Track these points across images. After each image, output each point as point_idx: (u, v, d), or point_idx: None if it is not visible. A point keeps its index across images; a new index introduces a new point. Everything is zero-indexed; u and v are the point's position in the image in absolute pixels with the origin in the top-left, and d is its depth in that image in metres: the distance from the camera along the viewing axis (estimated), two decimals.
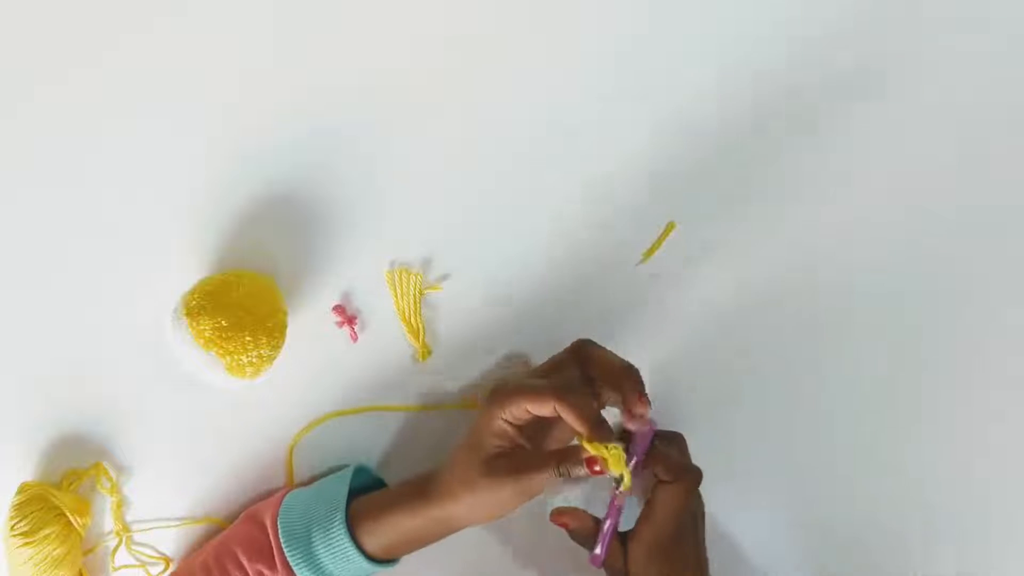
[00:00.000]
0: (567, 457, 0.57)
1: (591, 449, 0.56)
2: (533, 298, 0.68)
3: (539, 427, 0.62)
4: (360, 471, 0.65)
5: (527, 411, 0.58)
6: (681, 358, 0.69)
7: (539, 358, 0.67)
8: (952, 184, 0.71)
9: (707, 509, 0.64)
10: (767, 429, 0.69)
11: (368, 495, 0.62)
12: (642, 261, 0.69)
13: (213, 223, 0.66)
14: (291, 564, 0.59)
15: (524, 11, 0.69)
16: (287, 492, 0.63)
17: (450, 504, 0.59)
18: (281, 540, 0.59)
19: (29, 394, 0.66)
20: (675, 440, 0.65)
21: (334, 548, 0.59)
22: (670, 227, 0.69)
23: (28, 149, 0.66)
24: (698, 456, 0.64)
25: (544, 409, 0.57)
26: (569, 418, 0.56)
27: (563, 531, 0.63)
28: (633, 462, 0.59)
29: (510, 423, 0.59)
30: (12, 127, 0.66)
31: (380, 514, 0.60)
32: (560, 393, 0.57)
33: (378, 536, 0.60)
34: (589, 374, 0.62)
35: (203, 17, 0.67)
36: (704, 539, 0.63)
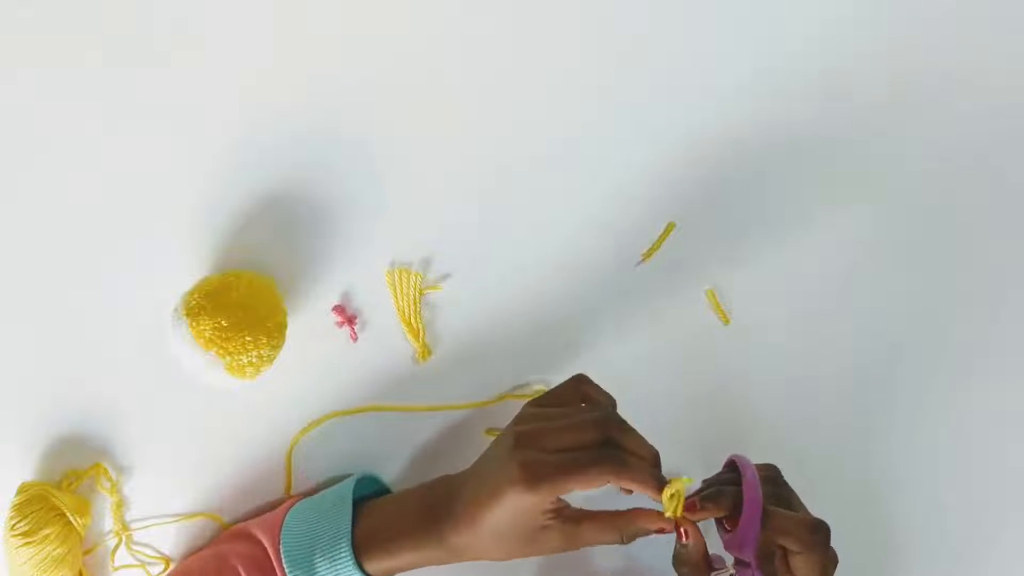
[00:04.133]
0: (634, 522, 0.55)
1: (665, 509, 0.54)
2: (533, 298, 0.68)
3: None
4: (361, 480, 0.64)
5: (575, 490, 0.53)
6: (682, 359, 0.69)
7: (538, 358, 0.68)
8: (954, 185, 0.71)
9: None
10: (768, 430, 0.69)
11: (374, 516, 0.60)
12: (642, 261, 0.69)
13: (213, 223, 0.67)
14: None
15: (524, 12, 0.69)
16: (286, 511, 0.62)
17: (479, 558, 0.57)
18: (286, 568, 0.58)
19: (29, 394, 0.66)
20: (780, 489, 0.59)
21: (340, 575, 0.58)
22: (670, 227, 0.69)
23: (28, 149, 0.66)
24: (696, 457, 0.64)
25: (597, 486, 0.53)
26: (632, 487, 0.53)
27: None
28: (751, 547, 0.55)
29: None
30: (12, 128, 0.66)
31: (391, 551, 0.58)
32: (617, 469, 0.53)
33: (384, 566, 0.58)
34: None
35: (203, 17, 0.67)
36: None
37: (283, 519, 0.61)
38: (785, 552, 0.56)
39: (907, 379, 0.70)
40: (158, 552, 0.67)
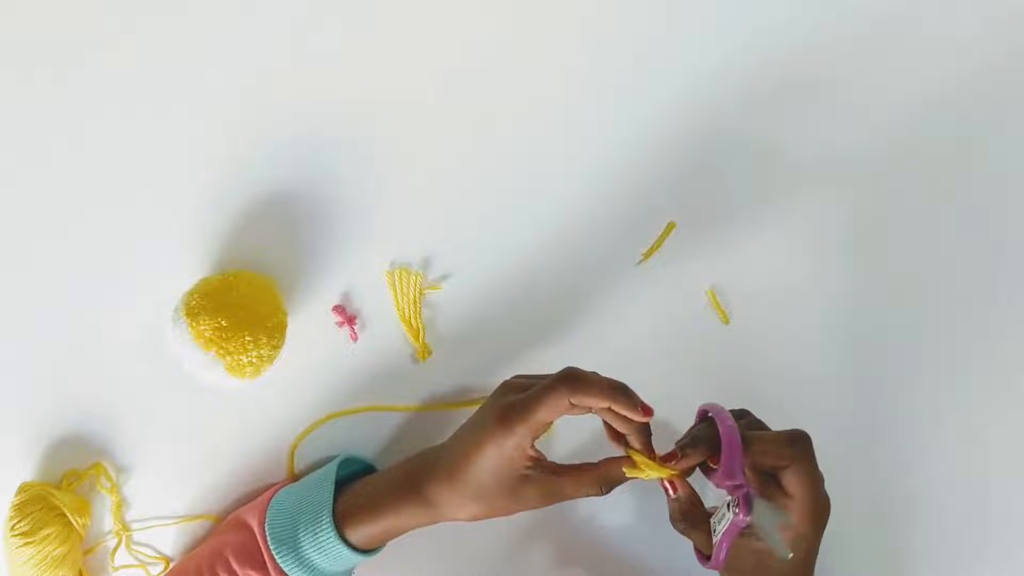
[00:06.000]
0: (609, 475, 0.56)
1: (642, 467, 0.55)
2: (533, 298, 0.68)
3: None
4: (347, 461, 0.65)
5: (547, 421, 0.55)
6: (681, 358, 0.69)
7: (538, 358, 0.68)
8: (953, 184, 0.71)
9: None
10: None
11: (356, 489, 0.61)
12: (642, 261, 0.69)
13: (213, 223, 0.67)
14: (282, 567, 0.59)
15: (523, 13, 0.69)
16: (272, 494, 0.63)
17: (457, 516, 0.58)
18: (270, 545, 0.59)
19: (29, 394, 0.66)
20: (753, 422, 0.60)
21: (324, 548, 0.59)
22: (670, 227, 0.69)
23: (28, 150, 0.66)
24: None
25: (561, 409, 0.54)
26: (591, 402, 0.54)
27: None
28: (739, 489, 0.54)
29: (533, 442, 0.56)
30: (12, 129, 0.66)
31: (372, 515, 0.59)
32: (572, 383, 0.54)
33: (369, 533, 0.59)
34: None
35: (204, 17, 0.67)
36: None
37: (269, 501, 0.62)
38: (775, 475, 0.56)
39: (908, 377, 0.70)
40: (158, 552, 0.67)
